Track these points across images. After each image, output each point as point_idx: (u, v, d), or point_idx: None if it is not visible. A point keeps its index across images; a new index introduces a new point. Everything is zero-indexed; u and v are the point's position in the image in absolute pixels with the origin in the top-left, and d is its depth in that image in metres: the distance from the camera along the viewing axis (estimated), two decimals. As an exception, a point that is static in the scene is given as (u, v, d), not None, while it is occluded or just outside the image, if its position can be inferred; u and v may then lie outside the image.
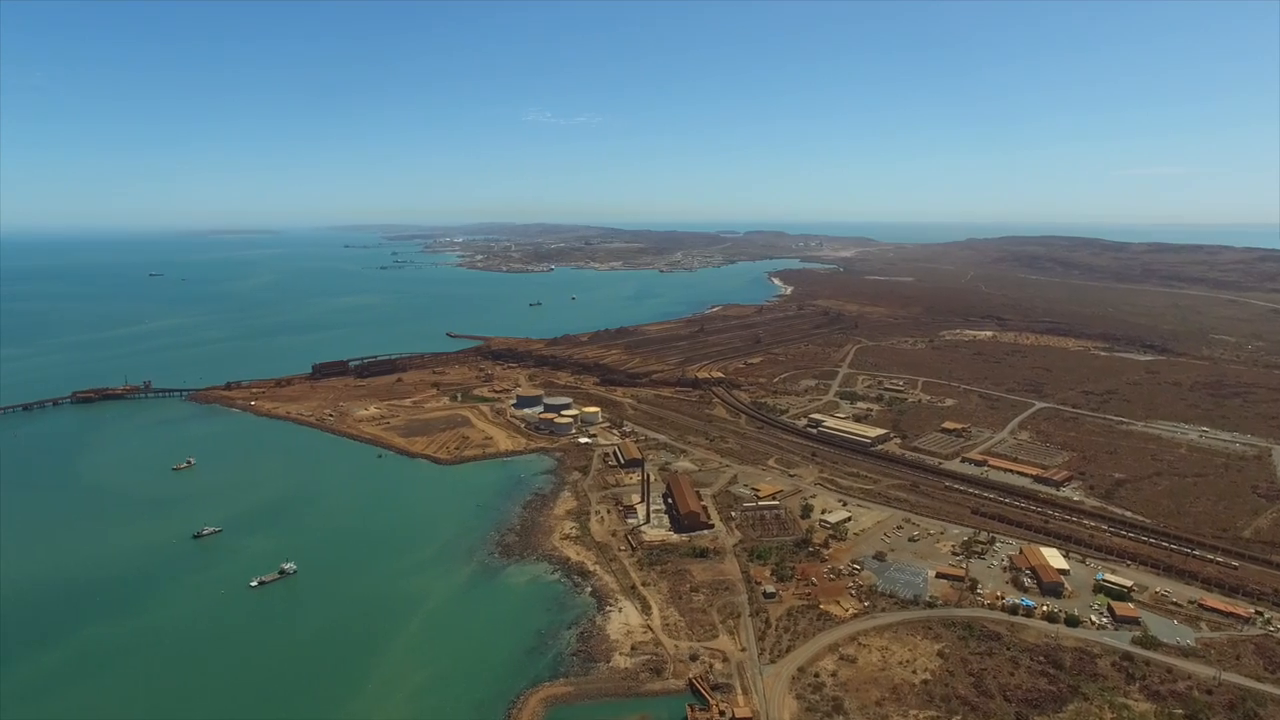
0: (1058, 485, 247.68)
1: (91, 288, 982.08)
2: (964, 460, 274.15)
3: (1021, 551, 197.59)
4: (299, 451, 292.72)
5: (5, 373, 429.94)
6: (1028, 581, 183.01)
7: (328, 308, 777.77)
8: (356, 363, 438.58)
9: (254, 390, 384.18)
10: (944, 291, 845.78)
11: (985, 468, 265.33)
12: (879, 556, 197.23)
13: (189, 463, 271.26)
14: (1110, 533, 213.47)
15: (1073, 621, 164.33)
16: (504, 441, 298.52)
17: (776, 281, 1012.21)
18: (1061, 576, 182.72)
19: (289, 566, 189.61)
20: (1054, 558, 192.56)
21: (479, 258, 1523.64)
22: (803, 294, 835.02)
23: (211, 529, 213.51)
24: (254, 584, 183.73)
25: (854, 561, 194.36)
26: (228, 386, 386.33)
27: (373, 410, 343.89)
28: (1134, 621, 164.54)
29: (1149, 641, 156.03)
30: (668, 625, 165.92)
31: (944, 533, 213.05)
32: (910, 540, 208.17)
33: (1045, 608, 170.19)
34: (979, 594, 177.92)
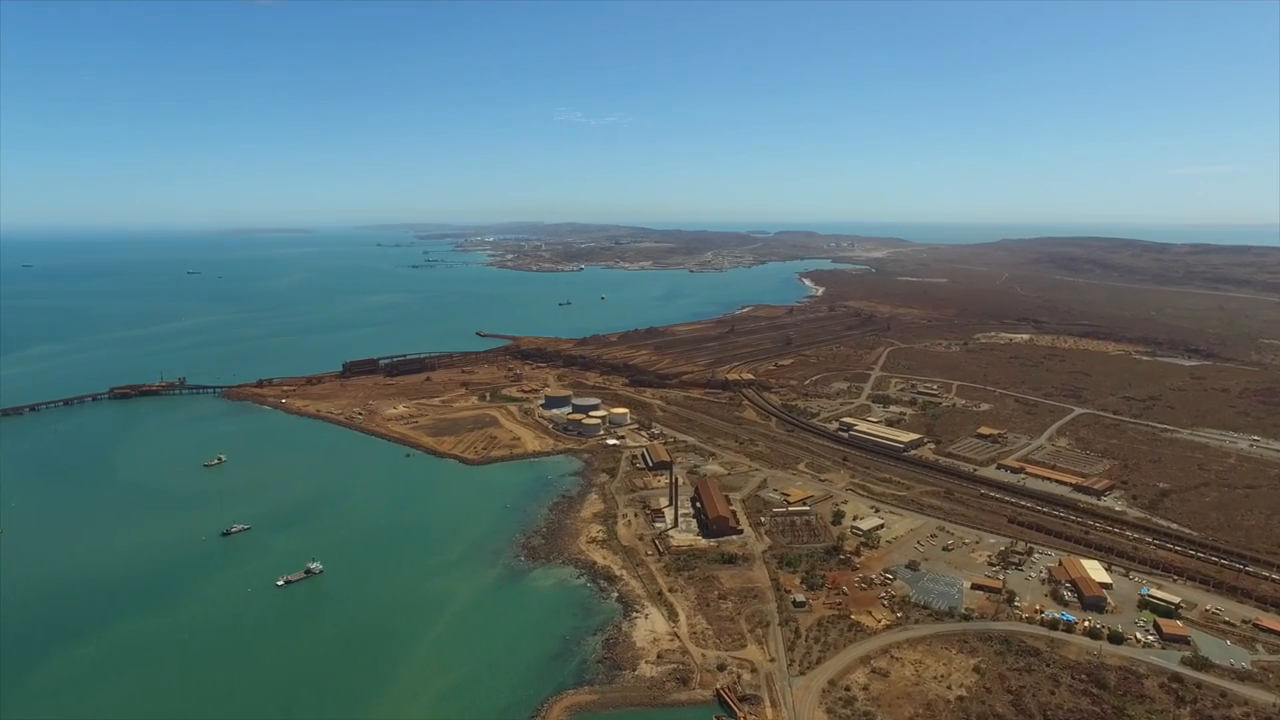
0: (1098, 494, 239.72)
1: (131, 285, 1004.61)
2: (1000, 467, 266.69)
3: (1061, 563, 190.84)
4: (328, 450, 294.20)
5: (47, 369, 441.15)
6: (1068, 595, 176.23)
7: (359, 306, 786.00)
8: (386, 361, 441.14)
9: (285, 388, 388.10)
10: (978, 293, 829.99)
11: (1022, 475, 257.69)
12: (912, 566, 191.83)
13: (220, 459, 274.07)
14: (1155, 545, 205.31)
15: (1117, 638, 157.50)
16: (532, 442, 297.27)
17: (807, 282, 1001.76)
18: (1104, 590, 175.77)
19: (315, 566, 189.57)
20: (1096, 570, 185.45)
21: (509, 257, 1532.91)
22: (834, 295, 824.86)
23: (240, 527, 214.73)
24: (280, 583, 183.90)
25: (886, 570, 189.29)
26: (259, 384, 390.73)
27: (401, 409, 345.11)
28: (1183, 640, 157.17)
29: (1200, 663, 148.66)
30: (695, 633, 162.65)
31: (979, 542, 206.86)
32: (944, 549, 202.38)
33: (1087, 623, 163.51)
34: (1016, 607, 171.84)
